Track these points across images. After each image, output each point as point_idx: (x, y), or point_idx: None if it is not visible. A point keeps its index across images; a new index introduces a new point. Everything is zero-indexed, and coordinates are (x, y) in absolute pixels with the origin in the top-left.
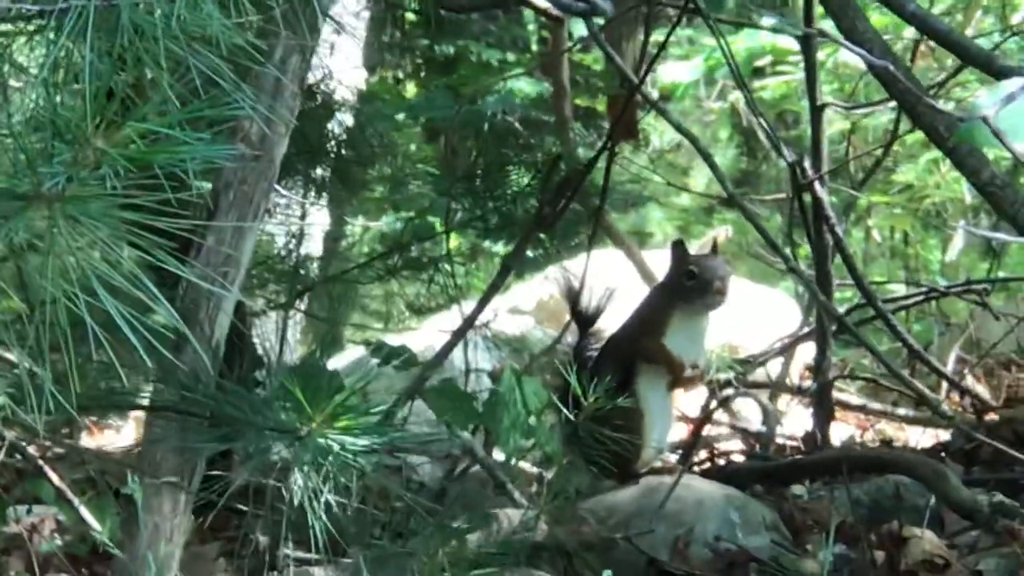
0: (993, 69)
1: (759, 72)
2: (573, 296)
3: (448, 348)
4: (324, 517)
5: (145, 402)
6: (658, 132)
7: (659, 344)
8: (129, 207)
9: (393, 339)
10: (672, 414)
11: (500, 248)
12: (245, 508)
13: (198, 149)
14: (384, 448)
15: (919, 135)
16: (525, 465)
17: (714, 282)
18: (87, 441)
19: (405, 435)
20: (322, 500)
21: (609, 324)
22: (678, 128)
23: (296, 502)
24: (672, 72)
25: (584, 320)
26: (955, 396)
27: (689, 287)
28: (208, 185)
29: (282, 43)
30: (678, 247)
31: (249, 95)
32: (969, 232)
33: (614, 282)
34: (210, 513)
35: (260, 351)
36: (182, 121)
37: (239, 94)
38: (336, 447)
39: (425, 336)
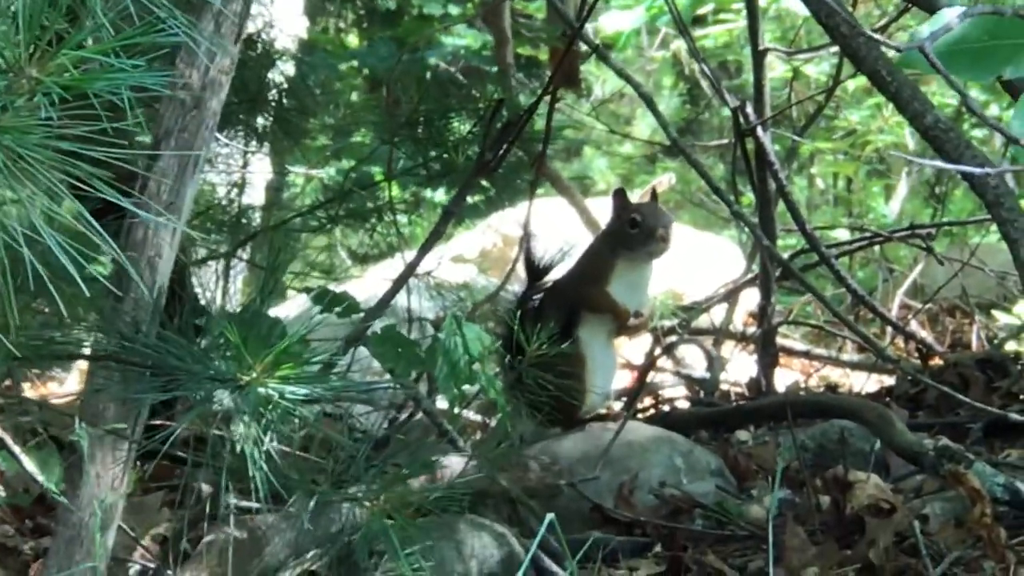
0: (936, 7)
1: (701, 20)
2: (528, 248)
3: (390, 294)
4: (266, 466)
5: (86, 352)
6: (600, 81)
7: (603, 292)
8: (66, 138)
9: (336, 287)
10: (615, 361)
11: (442, 196)
12: (187, 457)
13: (135, 76)
14: (326, 397)
15: (861, 81)
16: (468, 412)
17: (657, 230)
18: (29, 393)
19: (347, 383)
20: (263, 449)
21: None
22: (620, 74)
23: (238, 451)
24: (614, 21)
25: (536, 272)
26: (900, 341)
27: (632, 235)
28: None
29: None
30: (620, 196)
31: (184, 22)
32: (912, 163)
33: (567, 236)
34: (152, 463)
35: (202, 300)
36: (118, 49)
37: (175, 22)
38: (276, 396)
39: (368, 285)
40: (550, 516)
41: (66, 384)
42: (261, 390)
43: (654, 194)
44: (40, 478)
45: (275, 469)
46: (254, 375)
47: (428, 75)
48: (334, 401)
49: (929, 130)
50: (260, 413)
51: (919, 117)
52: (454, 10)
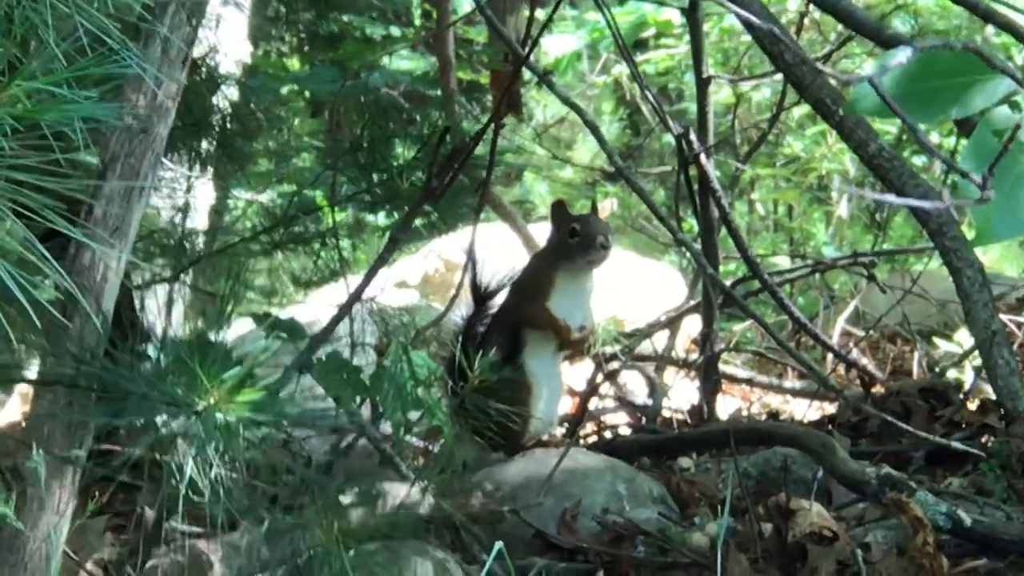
0: (882, 38)
1: (642, 45)
2: (473, 272)
3: (335, 321)
4: (216, 491)
5: (33, 375)
6: (542, 106)
7: (543, 308)
8: (17, 168)
9: (278, 312)
10: (561, 385)
11: (384, 221)
12: (132, 482)
13: (86, 107)
14: (280, 423)
15: (805, 107)
16: (411, 438)
17: (597, 237)
18: None
19: (303, 410)
20: (212, 474)
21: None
22: (565, 100)
23: (187, 476)
24: (555, 44)
25: (482, 297)
26: (842, 369)
27: (571, 245)
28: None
29: (169, 14)
30: (559, 207)
31: (136, 53)
32: (857, 195)
33: (509, 261)
34: (96, 488)
35: (146, 325)
36: (70, 81)
37: (127, 52)
38: (233, 421)
39: (310, 310)
40: (499, 544)
41: (6, 408)
42: (220, 415)
43: (594, 206)
44: None
45: (227, 494)
46: (212, 400)
47: (371, 99)
48: (286, 427)
49: (873, 158)
50: (214, 438)
51: (863, 145)
52: (396, 31)
